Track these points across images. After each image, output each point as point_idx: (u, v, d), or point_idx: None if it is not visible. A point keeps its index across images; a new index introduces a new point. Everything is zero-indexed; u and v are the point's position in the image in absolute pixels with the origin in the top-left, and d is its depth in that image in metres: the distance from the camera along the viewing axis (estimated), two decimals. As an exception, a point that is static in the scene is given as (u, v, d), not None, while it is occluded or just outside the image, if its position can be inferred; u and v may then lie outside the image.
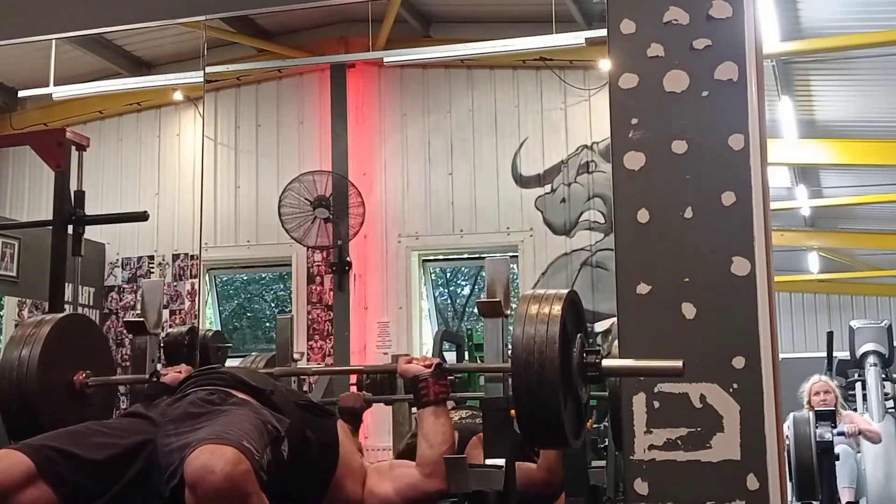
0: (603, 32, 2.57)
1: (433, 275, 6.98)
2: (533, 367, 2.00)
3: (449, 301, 7.69)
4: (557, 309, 2.05)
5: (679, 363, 2.11)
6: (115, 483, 1.92)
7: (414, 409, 3.77)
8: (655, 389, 2.38)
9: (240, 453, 1.77)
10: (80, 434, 2.00)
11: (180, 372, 2.54)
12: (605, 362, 2.15)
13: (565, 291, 2.12)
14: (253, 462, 1.79)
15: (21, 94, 6.56)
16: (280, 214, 6.19)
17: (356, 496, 2.28)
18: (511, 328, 2.35)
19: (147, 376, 2.58)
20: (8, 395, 2.45)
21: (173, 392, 2.46)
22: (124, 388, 3.01)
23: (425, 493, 2.28)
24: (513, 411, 2.28)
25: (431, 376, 2.29)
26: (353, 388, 3.23)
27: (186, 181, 6.23)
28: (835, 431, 5.32)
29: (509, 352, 2.15)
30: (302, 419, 2.20)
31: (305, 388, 4.60)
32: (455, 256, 7.19)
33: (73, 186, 3.70)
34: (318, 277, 6.48)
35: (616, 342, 2.52)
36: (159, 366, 2.69)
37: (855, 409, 6.39)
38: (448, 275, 7.72)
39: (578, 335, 2.14)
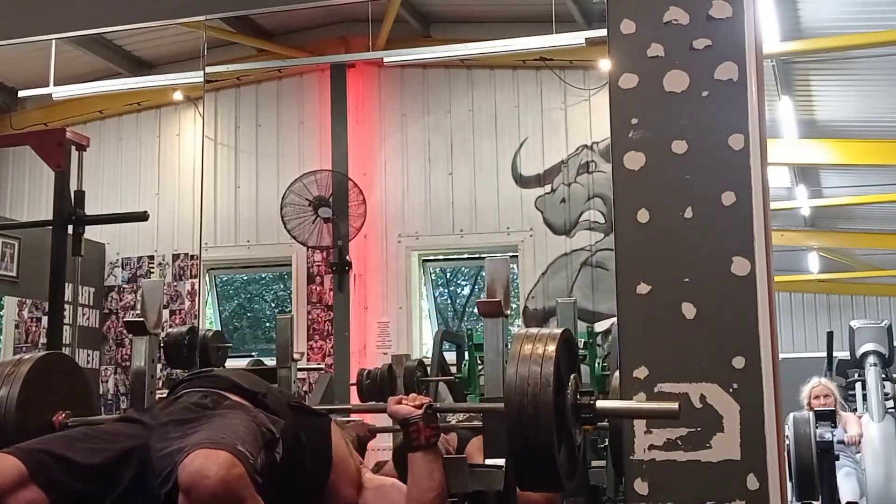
0: (603, 32, 2.57)
1: (433, 275, 6.97)
2: (527, 410, 1.95)
3: (449, 301, 7.69)
4: (551, 349, 2.01)
5: (675, 405, 2.08)
6: (107, 487, 1.91)
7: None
8: (655, 389, 2.38)
9: (234, 457, 1.76)
10: (73, 438, 2.00)
11: None
12: (600, 404, 2.11)
13: (559, 331, 2.08)
14: (247, 466, 1.78)
15: (21, 94, 6.55)
16: (282, 215, 6.19)
17: (351, 499, 2.25)
18: (511, 329, 2.35)
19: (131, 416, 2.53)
20: None
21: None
22: (124, 389, 3.00)
23: None
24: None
25: (422, 419, 2.20)
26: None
27: (186, 181, 6.23)
28: (835, 439, 5.33)
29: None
30: (295, 421, 2.19)
31: (305, 388, 4.61)
32: (455, 256, 7.19)
33: (73, 186, 3.70)
34: (318, 277, 6.48)
35: (616, 342, 2.52)
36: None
37: (855, 410, 6.39)
38: (448, 275, 7.71)
39: (572, 376, 2.10)
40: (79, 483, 1.89)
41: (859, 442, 5.87)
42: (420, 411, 2.21)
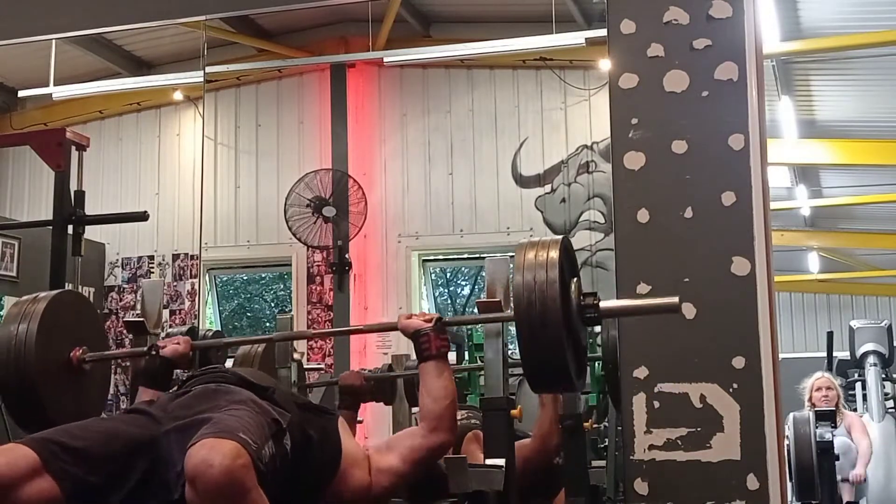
0: (603, 32, 2.57)
1: (433, 275, 6.97)
2: (535, 309, 2.05)
3: (449, 301, 7.69)
4: (554, 254, 2.11)
5: (675, 299, 2.15)
6: (119, 479, 1.93)
7: (414, 409, 3.77)
8: (655, 389, 2.38)
9: (239, 447, 1.77)
10: (85, 429, 2.01)
11: (179, 343, 2.54)
12: (603, 304, 2.20)
13: (560, 238, 2.18)
14: (252, 455, 1.79)
15: (21, 94, 6.55)
16: (287, 217, 6.19)
17: (363, 482, 2.26)
18: (511, 328, 2.35)
19: (145, 349, 2.57)
20: (7, 373, 2.45)
21: (173, 365, 2.49)
22: (124, 389, 3.01)
23: (431, 450, 2.28)
24: (514, 411, 2.29)
25: (432, 331, 2.30)
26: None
27: (186, 181, 6.22)
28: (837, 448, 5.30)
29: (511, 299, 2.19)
30: (303, 417, 2.21)
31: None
32: (455, 256, 7.19)
33: (73, 186, 3.70)
34: (318, 277, 6.48)
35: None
36: (164, 333, 2.69)
37: (855, 409, 6.39)
38: (448, 275, 7.71)
39: (574, 279, 2.18)
40: (91, 474, 1.91)
41: (866, 479, 5.80)
42: (430, 324, 2.31)
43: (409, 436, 2.35)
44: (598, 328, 2.94)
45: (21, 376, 2.44)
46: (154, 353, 2.52)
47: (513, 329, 2.86)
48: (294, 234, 6.23)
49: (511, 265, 2.30)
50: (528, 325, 2.06)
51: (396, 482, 2.30)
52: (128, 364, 2.81)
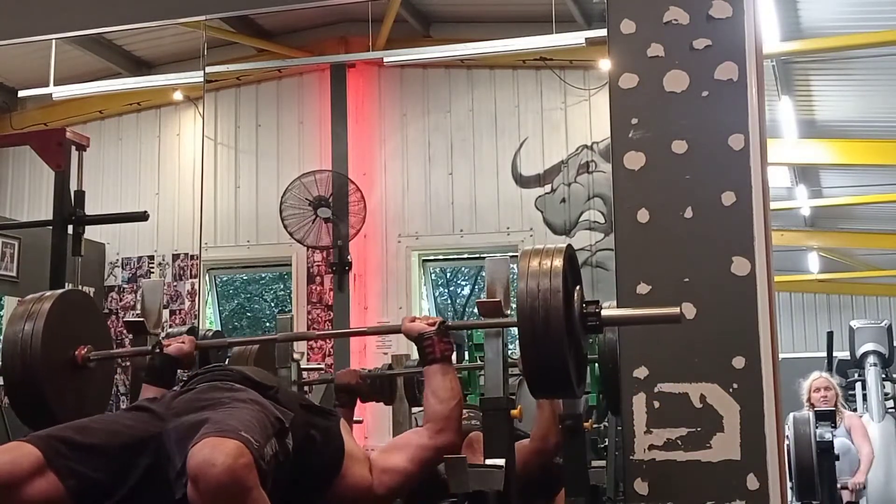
0: (603, 32, 2.57)
1: (433, 275, 6.97)
2: (539, 316, 2.07)
3: (449, 301, 7.69)
4: (558, 262, 2.13)
5: (676, 309, 2.16)
6: (123, 476, 1.93)
7: (415, 409, 3.78)
8: (655, 389, 2.38)
9: (241, 446, 1.77)
10: (89, 427, 2.02)
11: (184, 342, 2.57)
12: (605, 312, 2.21)
13: (563, 245, 2.19)
14: (254, 454, 1.79)
15: (21, 94, 6.54)
16: (282, 217, 6.19)
17: (365, 483, 2.26)
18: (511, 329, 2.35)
19: (150, 348, 2.59)
20: (13, 370, 2.48)
21: (177, 363, 2.51)
22: (125, 389, 3.01)
23: (438, 449, 2.29)
24: (514, 411, 2.29)
25: (436, 334, 2.32)
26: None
27: (186, 181, 6.22)
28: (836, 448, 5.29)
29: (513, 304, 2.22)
30: (305, 418, 2.21)
31: (305, 388, 4.58)
32: (455, 256, 7.19)
33: (73, 186, 3.70)
34: (318, 277, 6.48)
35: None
36: (164, 333, 2.70)
37: (855, 410, 6.38)
38: (448, 275, 7.71)
39: (577, 287, 2.20)
40: (94, 471, 1.91)
41: (865, 486, 5.78)
42: (434, 328, 2.32)
43: (415, 436, 2.36)
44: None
45: (26, 374, 2.46)
46: (158, 351, 2.54)
47: (513, 329, 2.87)
48: (289, 233, 6.22)
49: (511, 265, 2.30)
50: (532, 332, 2.08)
51: (403, 482, 2.30)
52: (128, 364, 2.81)
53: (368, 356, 6.19)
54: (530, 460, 2.88)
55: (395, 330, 2.42)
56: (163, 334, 2.88)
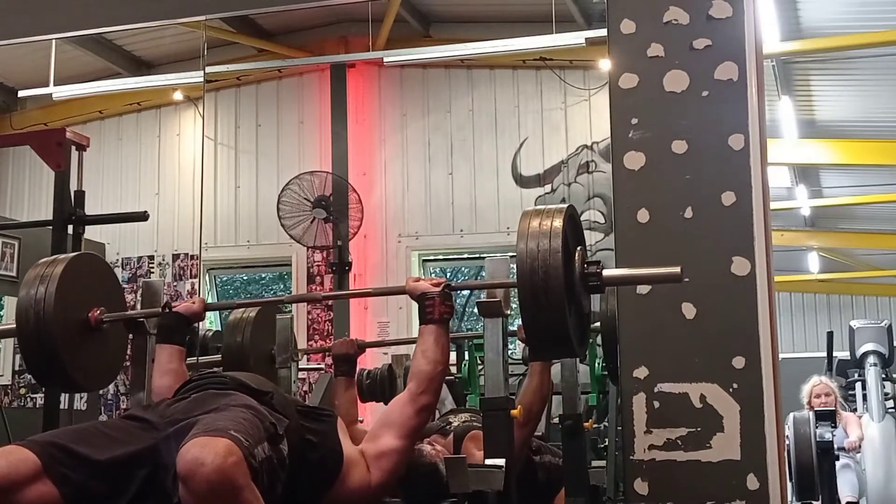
0: (603, 32, 2.57)
1: (433, 275, 6.97)
2: (538, 276, 2.06)
3: (449, 301, 7.67)
4: (558, 223, 2.11)
5: (677, 269, 2.14)
6: (119, 485, 1.93)
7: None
8: (655, 389, 2.38)
9: (231, 444, 1.77)
10: (85, 434, 2.01)
11: (194, 303, 2.62)
12: (606, 272, 2.19)
13: (564, 206, 2.18)
14: (244, 451, 1.79)
15: (21, 94, 6.55)
16: (279, 213, 6.19)
17: (363, 482, 2.26)
18: (511, 328, 2.35)
19: (160, 308, 2.61)
20: (28, 333, 2.50)
21: (187, 321, 2.56)
22: (124, 389, 3.01)
23: (419, 411, 2.28)
24: (514, 411, 2.29)
25: (439, 295, 2.32)
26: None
27: (186, 181, 6.22)
28: (835, 443, 5.32)
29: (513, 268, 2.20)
30: (302, 423, 2.20)
31: (305, 388, 4.60)
32: (455, 256, 7.19)
33: (73, 186, 3.70)
34: (318, 277, 6.48)
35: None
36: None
37: (855, 410, 6.39)
38: (448, 275, 7.71)
39: (578, 248, 2.18)
40: (91, 479, 1.91)
41: (859, 447, 5.86)
42: (438, 289, 2.32)
43: (398, 407, 2.33)
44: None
45: (41, 336, 2.48)
46: (168, 310, 2.59)
47: (513, 328, 2.86)
48: (286, 231, 6.22)
49: (511, 265, 2.30)
50: (531, 293, 2.07)
51: (399, 458, 2.29)
52: (128, 364, 2.81)
53: (368, 356, 6.18)
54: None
55: (400, 290, 2.41)
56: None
